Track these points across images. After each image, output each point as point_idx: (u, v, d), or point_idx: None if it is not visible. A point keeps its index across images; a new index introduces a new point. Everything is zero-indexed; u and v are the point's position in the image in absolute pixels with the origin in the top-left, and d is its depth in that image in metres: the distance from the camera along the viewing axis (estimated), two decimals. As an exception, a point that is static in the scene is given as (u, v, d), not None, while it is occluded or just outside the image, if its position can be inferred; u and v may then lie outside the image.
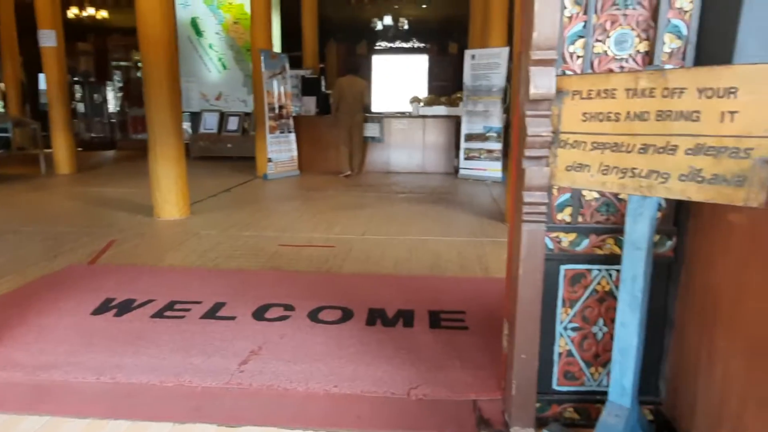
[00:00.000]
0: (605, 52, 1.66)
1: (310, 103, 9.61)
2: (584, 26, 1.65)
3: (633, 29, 1.64)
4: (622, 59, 1.66)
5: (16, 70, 11.11)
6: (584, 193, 1.73)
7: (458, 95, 8.95)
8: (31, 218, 5.17)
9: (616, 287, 1.75)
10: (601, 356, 1.80)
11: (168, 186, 5.07)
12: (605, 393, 1.62)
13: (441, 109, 8.92)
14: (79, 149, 12.66)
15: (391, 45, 13.98)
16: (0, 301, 2.93)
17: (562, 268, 1.75)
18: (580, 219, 1.73)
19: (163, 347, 2.34)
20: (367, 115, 8.76)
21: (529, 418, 1.77)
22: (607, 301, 1.77)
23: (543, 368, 1.78)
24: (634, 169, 1.47)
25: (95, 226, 4.80)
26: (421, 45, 14.01)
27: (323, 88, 10.11)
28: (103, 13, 12.04)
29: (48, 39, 8.02)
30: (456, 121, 8.56)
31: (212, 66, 11.09)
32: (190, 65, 11.09)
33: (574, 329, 1.79)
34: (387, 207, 5.80)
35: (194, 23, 10.87)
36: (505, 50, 7.39)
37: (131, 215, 5.27)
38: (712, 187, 1.32)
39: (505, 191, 6.47)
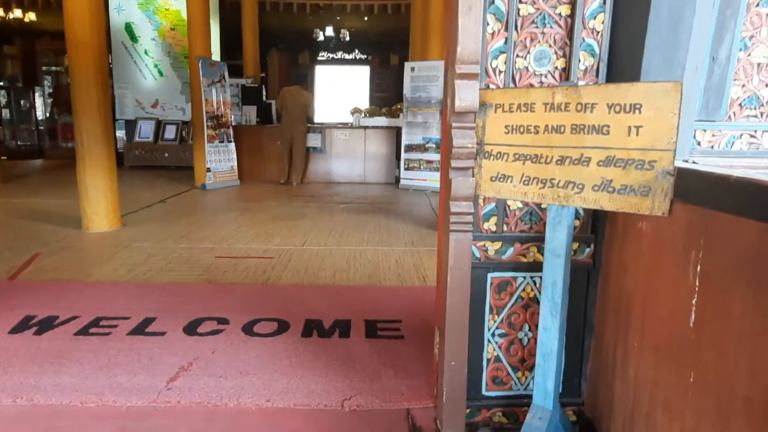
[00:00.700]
0: (526, 67, 1.74)
1: (251, 113, 9.47)
2: (505, 42, 1.72)
3: (551, 46, 1.73)
4: (541, 74, 1.74)
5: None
6: (509, 202, 1.79)
7: (399, 106, 9.07)
8: (-59, 232, 4.80)
9: (540, 293, 1.82)
10: (527, 361, 1.86)
11: (97, 197, 4.84)
12: (531, 396, 1.67)
13: (382, 120, 9.02)
14: (4, 158, 11.94)
15: (334, 56, 14.01)
16: None
17: (489, 276, 1.80)
18: (505, 228, 1.79)
19: (86, 366, 2.22)
20: (310, 125, 8.73)
21: (459, 425, 1.80)
22: (531, 307, 1.83)
23: (472, 374, 1.82)
24: (553, 179, 1.54)
25: (18, 239, 4.51)
26: (363, 56, 14.13)
27: (264, 98, 10.00)
28: (31, 16, 11.39)
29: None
30: (397, 132, 8.67)
31: (148, 72, 10.72)
32: (125, 71, 10.69)
33: (501, 335, 1.84)
34: (327, 217, 5.78)
35: (129, 28, 10.48)
36: (443, 63, 7.56)
37: (58, 228, 4.99)
38: (621, 197, 1.41)
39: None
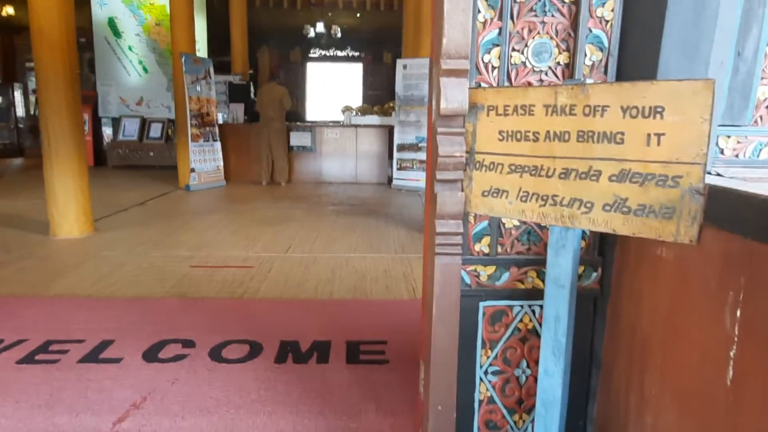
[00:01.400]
0: (523, 62, 1.48)
1: (239, 111, 9.20)
2: (499, 33, 1.46)
3: (552, 38, 1.48)
4: (541, 71, 1.49)
5: None
6: (504, 220, 1.54)
7: (391, 105, 8.82)
8: None
9: (540, 324, 1.58)
10: (525, 402, 1.61)
11: (66, 200, 4.56)
12: (529, 446, 1.43)
13: (374, 119, 8.76)
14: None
15: (326, 53, 13.72)
16: None
17: (481, 305, 1.55)
18: (499, 250, 1.54)
19: (22, 403, 1.95)
20: (299, 123, 8.45)
21: (446, 477, 1.55)
22: (530, 340, 1.58)
23: (462, 418, 1.58)
24: (555, 196, 1.29)
25: (-23, 247, 4.23)
26: (356, 54, 13.84)
27: (253, 95, 9.71)
28: (9, 10, 11.05)
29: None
30: (389, 131, 8.42)
31: (132, 69, 10.41)
32: (108, 68, 10.37)
33: (495, 373, 1.60)
34: (315, 221, 5.52)
35: (112, 23, 10.16)
36: (437, 60, 7.31)
37: (23, 233, 4.70)
38: (638, 220, 1.16)
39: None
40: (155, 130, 10.43)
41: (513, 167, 1.36)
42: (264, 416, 1.91)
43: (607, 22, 1.46)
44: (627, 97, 1.17)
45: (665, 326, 1.28)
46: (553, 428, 1.35)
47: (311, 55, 14.02)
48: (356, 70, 14.26)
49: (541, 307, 1.56)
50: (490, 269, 1.54)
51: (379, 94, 13.56)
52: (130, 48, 10.30)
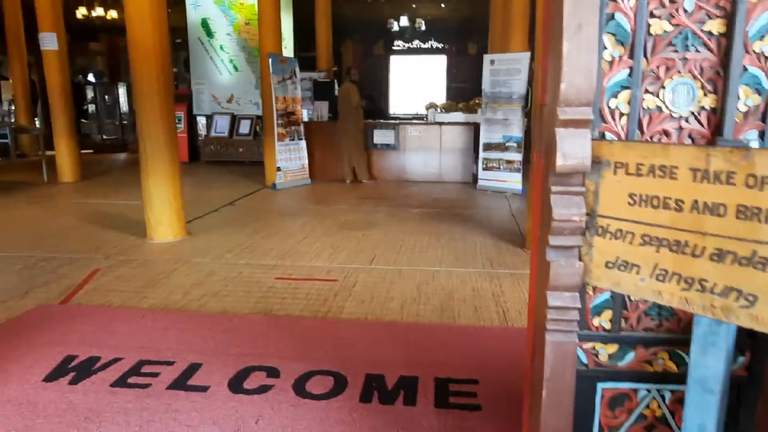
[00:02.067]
0: (658, 107, 1.24)
1: (323, 108, 9.26)
2: (630, 74, 1.23)
3: (695, 78, 1.22)
4: (680, 117, 1.24)
5: (24, 72, 10.96)
6: (628, 289, 1.31)
7: (477, 101, 8.50)
8: (15, 239, 4.91)
9: (671, 412, 1.34)
10: (647, 498, 1.39)
11: (161, 206, 4.75)
12: None
13: (458, 116, 8.50)
14: (90, 151, 12.59)
15: (409, 45, 13.52)
16: (-47, 357, 2.62)
17: (600, 386, 1.34)
18: (623, 325, 1.32)
19: (114, 434, 1.99)
20: (382, 121, 8.36)
21: None
22: (657, 429, 1.35)
23: None
24: (704, 281, 1.05)
25: (81, 250, 4.50)
26: (440, 45, 13.52)
27: (336, 93, 9.74)
28: (112, 13, 11.81)
29: (49, 42, 7.78)
30: (475, 128, 8.12)
31: (223, 68, 10.80)
32: (201, 67, 10.83)
33: (612, 463, 1.38)
34: (398, 226, 5.41)
35: (205, 24, 10.58)
36: (526, 55, 6.92)
37: (123, 236, 4.97)
38: (824, 325, 0.91)
39: (526, 206, 6.04)
40: (244, 127, 10.78)
41: (647, 238, 1.14)
42: (348, 471, 1.81)
43: (766, 58, 1.18)
44: (811, 167, 0.91)
45: None
46: None
47: (394, 48, 13.89)
48: (440, 62, 13.96)
49: (674, 391, 1.32)
50: (612, 348, 1.32)
51: (464, 86, 13.21)
52: (221, 47, 10.68)
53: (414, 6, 12.59)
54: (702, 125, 1.23)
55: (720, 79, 1.21)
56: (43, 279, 3.80)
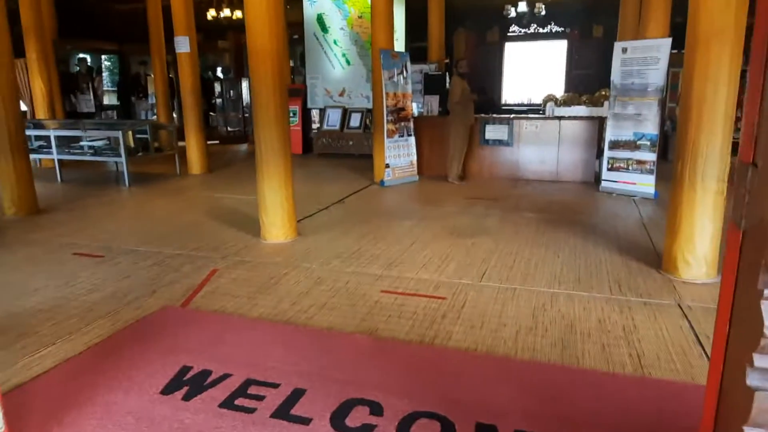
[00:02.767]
0: None
1: (433, 103, 9.00)
2: None
3: None
4: None
5: (163, 70, 11.88)
6: None
7: (603, 93, 7.76)
8: (149, 234, 5.25)
9: None
10: None
11: (274, 208, 4.82)
12: None
13: (581, 110, 7.84)
14: (216, 142, 13.45)
15: (526, 30, 12.76)
16: (78, 361, 2.78)
17: None
18: None
19: (218, 468, 1.95)
20: (495, 116, 7.93)
21: None
22: None
23: None
24: None
25: (202, 248, 4.70)
26: (560, 29, 12.60)
27: (447, 86, 9.43)
28: (238, 13, 12.42)
29: (183, 45, 8.30)
30: (599, 124, 7.43)
31: (336, 62, 10.92)
32: (316, 62, 11.04)
33: None
34: (512, 234, 5.05)
35: (320, 19, 10.74)
36: (667, 42, 6.13)
37: (240, 234, 5.13)
38: None
39: (660, 214, 5.38)
40: (355, 120, 10.84)
41: None
42: None
43: None
44: None
45: None
46: None
47: (509, 34, 13.21)
48: (560, 47, 13.05)
49: None
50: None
51: (587, 73, 12.24)
52: (335, 42, 10.79)
53: (534, -11, 11.84)
54: None
55: None
56: (169, 278, 3.99)
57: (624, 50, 6.52)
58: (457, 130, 7.64)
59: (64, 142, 8.84)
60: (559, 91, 11.38)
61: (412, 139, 8.00)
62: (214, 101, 14.71)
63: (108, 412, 2.30)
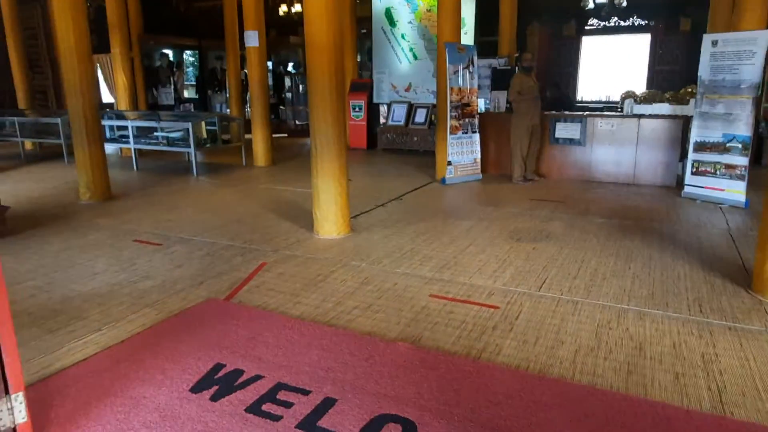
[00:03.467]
0: None
1: (501, 99, 8.62)
2: None
3: None
4: None
5: (237, 65, 12.17)
6: None
7: (690, 90, 7.11)
8: (206, 223, 5.31)
9: None
10: None
11: (327, 203, 4.73)
12: None
13: (663, 108, 7.22)
14: (284, 135, 13.69)
15: (606, 24, 12.00)
16: (118, 350, 2.77)
17: None
18: None
19: (234, 480, 1.83)
20: (567, 113, 7.46)
21: None
22: None
23: None
24: None
25: (255, 241, 4.68)
26: (643, 22, 11.75)
27: (518, 81, 9.00)
28: (296, 6, 12.54)
29: (252, 40, 8.41)
30: (684, 123, 6.80)
31: (403, 57, 10.75)
32: (383, 56, 10.92)
33: None
34: (577, 240, 4.67)
35: (388, 13, 10.59)
36: (764, 34, 5.48)
37: (294, 228, 5.08)
38: None
39: (751, 225, 4.82)
40: (420, 115, 10.63)
41: None
42: None
43: None
44: None
45: None
46: None
47: (587, 28, 12.48)
48: (642, 41, 12.19)
49: None
50: None
51: (672, 69, 11.36)
52: (402, 36, 10.61)
53: (616, -21, 11.10)
54: None
55: None
56: (219, 269, 3.98)
57: (714, 43, 5.89)
58: (516, 130, 7.27)
59: (142, 133, 9.25)
60: (640, 89, 10.61)
61: (477, 136, 7.69)
62: (284, 95, 14.99)
63: (136, 406, 2.25)
